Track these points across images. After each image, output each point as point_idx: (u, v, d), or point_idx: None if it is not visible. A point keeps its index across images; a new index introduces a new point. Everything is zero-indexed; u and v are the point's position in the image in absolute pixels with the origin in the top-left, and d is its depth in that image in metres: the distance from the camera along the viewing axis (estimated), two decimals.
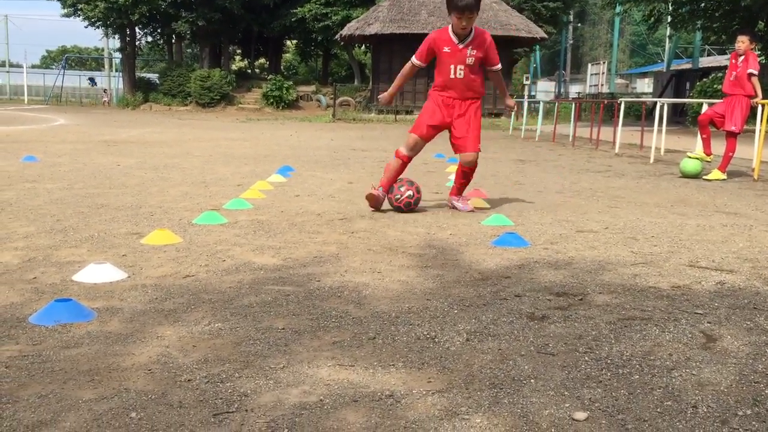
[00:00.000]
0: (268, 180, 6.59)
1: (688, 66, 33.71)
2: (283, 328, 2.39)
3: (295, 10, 32.18)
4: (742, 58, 7.61)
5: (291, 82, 33.57)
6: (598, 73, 35.38)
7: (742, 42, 7.67)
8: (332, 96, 29.37)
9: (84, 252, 3.43)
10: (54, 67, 60.39)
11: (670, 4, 21.72)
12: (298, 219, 4.57)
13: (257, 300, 2.72)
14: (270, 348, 2.20)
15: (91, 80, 44.82)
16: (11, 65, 56.23)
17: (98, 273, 2.94)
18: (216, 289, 2.86)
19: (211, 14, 32.50)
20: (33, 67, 59.46)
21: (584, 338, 2.33)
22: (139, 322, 2.42)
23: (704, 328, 2.45)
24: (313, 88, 34.24)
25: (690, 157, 7.87)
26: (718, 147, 8.27)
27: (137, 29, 37.06)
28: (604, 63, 36.52)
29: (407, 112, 27.87)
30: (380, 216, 4.76)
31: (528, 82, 34.63)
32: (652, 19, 23.71)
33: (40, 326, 2.35)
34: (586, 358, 2.16)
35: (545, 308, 2.66)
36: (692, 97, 20.53)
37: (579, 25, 51.76)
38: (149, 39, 40.98)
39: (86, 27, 35.43)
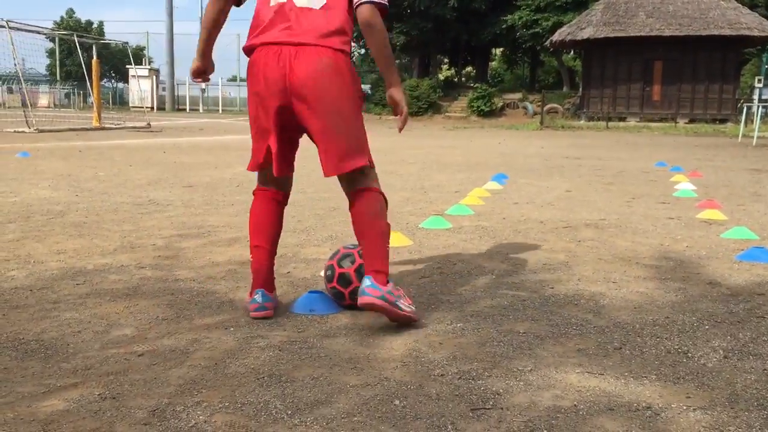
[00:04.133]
0: (484, 187, 6.65)
1: None
2: (525, 332, 2.41)
3: (504, 17, 32.12)
4: None
5: (496, 89, 33.55)
6: None
7: None
8: (539, 103, 28.90)
9: (327, 251, 3.70)
10: None
11: None
12: (522, 226, 4.57)
13: (494, 303, 2.77)
14: (515, 350, 2.23)
15: None
16: (241, 80, 61.83)
17: None
18: (452, 291, 2.95)
19: (424, 24, 33.42)
20: None
21: None
22: (385, 318, 2.57)
23: None
24: (519, 95, 33.93)
25: None
26: None
27: (352, 42, 39.11)
28: None
29: (620, 119, 26.67)
30: (607, 225, 4.62)
31: (760, 85, 31.61)
32: None
33: (298, 314, 2.58)
34: None
35: None
36: None
37: None
38: (362, 51, 43.07)
39: None
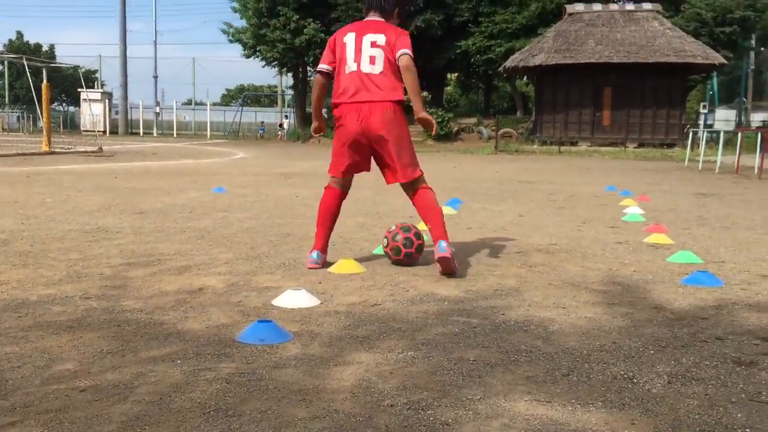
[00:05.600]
0: None
1: None
2: (475, 360, 2.42)
3: (459, 43, 32.63)
4: None
5: (452, 115, 33.95)
6: None
7: None
8: (494, 128, 29.34)
9: (279, 278, 3.67)
10: (233, 104, 65.22)
11: None
12: (475, 251, 4.61)
13: (445, 330, 2.78)
14: (465, 379, 2.23)
15: (261, 128, 48.13)
16: (196, 103, 61.39)
17: (295, 298, 3.14)
18: (404, 319, 2.95)
19: None
20: (214, 104, 64.59)
21: None
22: (336, 346, 2.55)
23: None
24: (474, 120, 34.39)
25: None
26: None
27: (308, 68, 39.26)
28: None
29: (572, 144, 27.22)
30: (557, 250, 4.69)
31: (705, 111, 32.68)
32: None
33: (248, 345, 2.54)
34: None
35: (752, 353, 2.49)
36: None
37: (762, 49, 48.15)
38: None
39: (263, 67, 38.06)
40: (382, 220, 6.21)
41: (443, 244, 3.68)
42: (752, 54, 41.22)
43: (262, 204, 7.28)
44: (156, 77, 49.13)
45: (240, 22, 37.14)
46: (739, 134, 16.68)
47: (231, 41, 37.56)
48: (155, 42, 49.05)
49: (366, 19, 3.97)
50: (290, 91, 44.31)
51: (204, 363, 2.35)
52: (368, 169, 4.13)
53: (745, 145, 15.84)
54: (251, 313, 3.00)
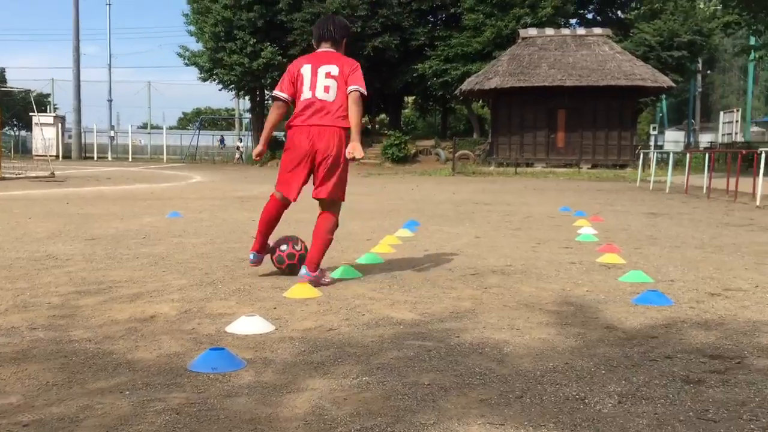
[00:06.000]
0: (395, 234, 6.71)
1: None
2: (429, 384, 2.42)
3: (415, 66, 32.97)
4: None
5: (409, 136, 34.21)
6: (732, 122, 33.74)
7: None
8: (451, 150, 29.62)
9: (233, 305, 3.63)
10: (189, 127, 64.65)
11: None
12: (431, 274, 4.62)
13: (400, 354, 2.77)
14: (419, 403, 2.23)
15: (221, 141, 47.77)
16: (152, 127, 60.68)
17: (249, 325, 3.10)
18: (359, 343, 2.94)
19: None
20: (171, 128, 63.88)
21: (748, 405, 2.20)
22: (291, 373, 2.53)
23: None
24: (432, 142, 34.68)
25: None
26: None
27: (266, 91, 39.22)
28: (737, 111, 34.79)
29: (527, 165, 27.63)
30: (513, 271, 4.74)
31: (655, 132, 33.55)
32: None
33: (200, 373, 2.50)
34: (752, 426, 2.04)
35: (700, 371, 2.54)
36: None
37: (708, 72, 49.76)
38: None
39: (220, 90, 37.87)
40: (340, 243, 6.20)
41: (304, 270, 4.14)
42: (699, 77, 42.52)
43: (218, 228, 7.20)
44: (110, 101, 48.36)
45: (196, 46, 37.01)
46: (688, 155, 17.15)
47: (187, 65, 37.34)
48: (109, 65, 48.37)
49: (319, 50, 4.31)
50: (248, 115, 44.15)
51: (153, 393, 2.30)
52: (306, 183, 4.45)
53: (693, 166, 16.28)
54: (204, 340, 2.95)
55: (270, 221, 4.34)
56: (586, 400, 2.26)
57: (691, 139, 41.79)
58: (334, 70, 4.16)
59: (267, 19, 32.97)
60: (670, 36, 31.57)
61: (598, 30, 30.11)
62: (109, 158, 44.53)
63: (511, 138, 28.51)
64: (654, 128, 34.12)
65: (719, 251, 5.78)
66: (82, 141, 45.51)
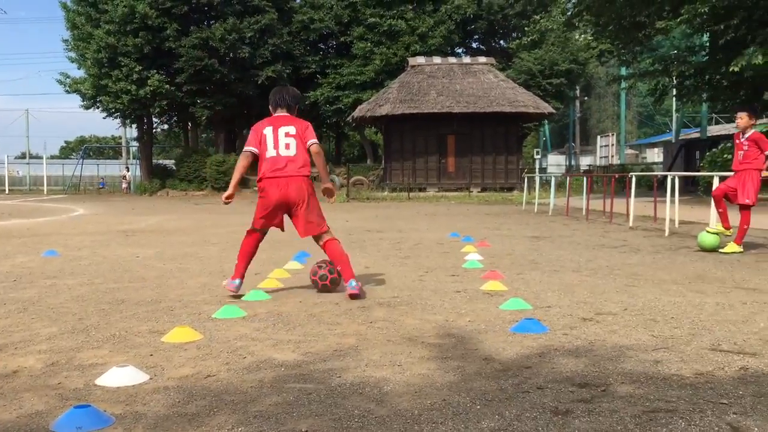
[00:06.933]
0: (285, 267, 6.65)
1: (696, 135, 34.04)
2: (306, 430, 2.39)
3: (308, 94, 33.07)
4: (747, 135, 7.65)
5: None
6: (608, 145, 35.80)
7: (741, 118, 7.73)
8: (346, 176, 29.79)
9: (106, 353, 3.46)
10: (73, 157, 61.86)
11: (674, 78, 22.10)
12: (317, 309, 4.60)
13: (279, 400, 2.73)
14: None
15: (102, 184, 46.31)
16: (31, 156, 57.69)
17: (121, 376, 2.97)
18: (237, 390, 2.87)
19: (227, 99, 33.48)
20: (52, 157, 60.94)
21: None
22: (162, 428, 2.43)
23: (731, 420, 2.42)
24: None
25: (709, 232, 7.86)
26: (734, 219, 8.27)
27: (153, 117, 38.15)
28: (613, 135, 36.97)
29: (420, 190, 28.16)
30: (398, 303, 4.78)
31: (538, 156, 35.09)
32: (658, 92, 24.15)
33: None
34: None
35: (568, 401, 2.64)
36: (703, 167, 20.66)
37: (586, 98, 52.67)
38: (165, 126, 42.11)
39: (104, 118, 36.54)
40: (227, 279, 6.06)
41: (353, 283, 4.96)
42: (578, 103, 44.95)
43: (98, 267, 6.89)
44: None
45: (78, 72, 35.57)
46: (568, 179, 18.01)
47: (68, 92, 35.83)
48: None
49: (276, 114, 5.21)
50: (135, 143, 42.76)
51: None
52: (282, 229, 5.33)
53: (574, 188, 17.10)
54: (70, 396, 2.79)
55: (251, 253, 5.21)
56: None
57: (573, 162, 43.98)
58: (292, 129, 5.08)
59: (154, 46, 32.18)
60: (550, 65, 33.24)
61: (482, 59, 31.30)
62: None
63: (404, 163, 29.03)
64: (537, 152, 35.67)
65: (594, 274, 6.07)
66: None
